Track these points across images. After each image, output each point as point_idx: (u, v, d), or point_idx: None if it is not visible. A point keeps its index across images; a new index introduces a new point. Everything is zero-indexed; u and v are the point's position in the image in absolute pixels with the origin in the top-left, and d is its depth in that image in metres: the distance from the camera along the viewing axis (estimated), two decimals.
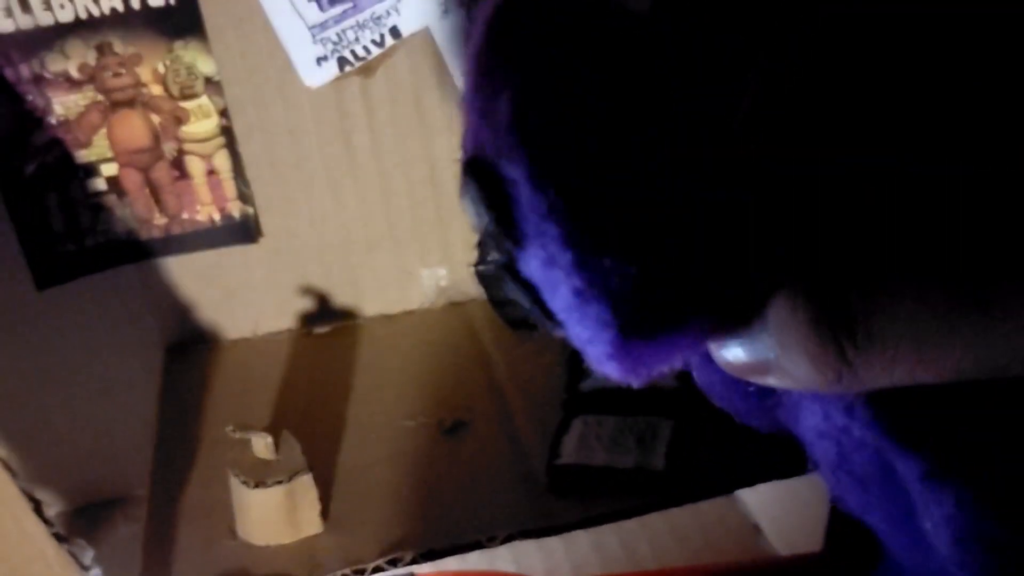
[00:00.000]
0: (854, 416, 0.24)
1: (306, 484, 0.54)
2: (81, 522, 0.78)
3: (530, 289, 0.24)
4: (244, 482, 0.53)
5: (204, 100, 0.66)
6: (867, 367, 0.22)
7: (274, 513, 0.54)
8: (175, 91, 0.65)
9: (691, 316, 0.24)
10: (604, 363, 0.24)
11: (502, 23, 0.24)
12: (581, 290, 0.23)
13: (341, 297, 0.74)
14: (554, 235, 0.23)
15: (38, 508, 0.42)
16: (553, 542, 0.58)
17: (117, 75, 0.64)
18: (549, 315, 0.24)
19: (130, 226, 0.68)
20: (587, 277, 0.23)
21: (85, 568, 0.45)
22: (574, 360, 0.65)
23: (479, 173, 0.24)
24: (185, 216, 0.68)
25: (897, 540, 0.26)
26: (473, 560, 0.57)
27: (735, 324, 0.24)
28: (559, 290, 0.24)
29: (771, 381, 0.24)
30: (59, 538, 0.43)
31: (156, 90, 0.65)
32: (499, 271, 0.74)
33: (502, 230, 0.24)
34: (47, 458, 0.74)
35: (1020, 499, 0.22)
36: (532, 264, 0.24)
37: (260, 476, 0.53)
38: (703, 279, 0.23)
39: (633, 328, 0.23)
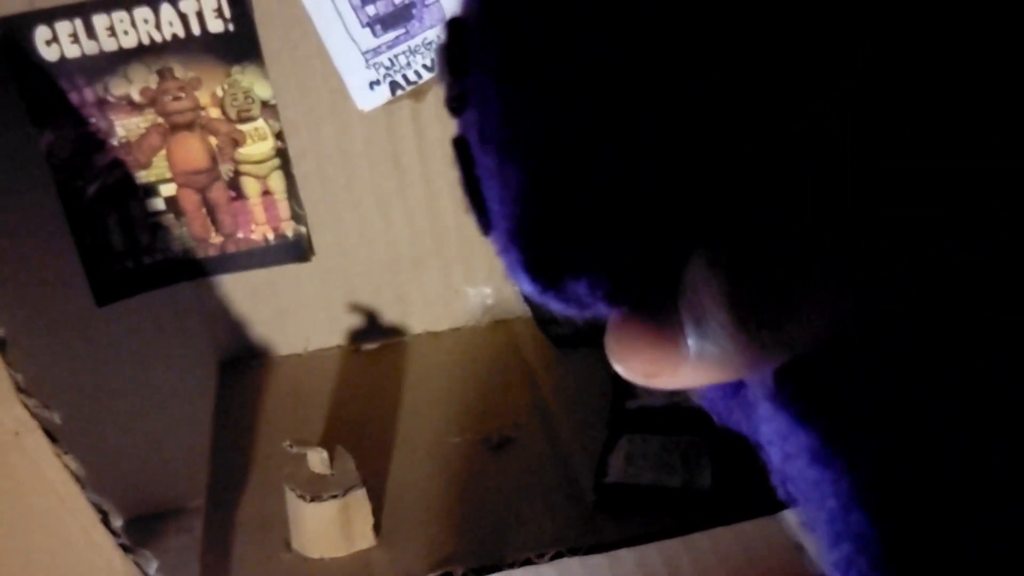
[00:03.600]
0: (775, 402, 0.21)
1: (360, 499, 0.55)
2: (133, 533, 0.80)
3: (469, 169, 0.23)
4: (300, 496, 0.55)
5: (260, 123, 0.67)
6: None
7: (328, 527, 0.55)
8: (232, 114, 0.67)
9: (589, 263, 0.21)
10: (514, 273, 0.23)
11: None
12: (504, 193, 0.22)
13: (389, 314, 0.76)
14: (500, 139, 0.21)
15: (105, 519, 0.43)
16: (597, 559, 0.59)
17: (177, 99, 0.66)
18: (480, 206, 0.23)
19: (187, 245, 0.70)
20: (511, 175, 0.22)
21: None
22: (620, 378, 0.65)
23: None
24: (240, 235, 0.70)
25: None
26: None
27: (636, 291, 0.22)
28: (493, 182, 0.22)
29: (681, 374, 0.21)
30: (125, 548, 0.44)
31: (214, 113, 0.67)
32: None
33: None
34: (101, 470, 0.76)
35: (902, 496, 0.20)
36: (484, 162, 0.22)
37: (316, 490, 0.55)
38: (605, 223, 0.21)
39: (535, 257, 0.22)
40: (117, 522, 0.44)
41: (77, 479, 0.44)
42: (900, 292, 0.20)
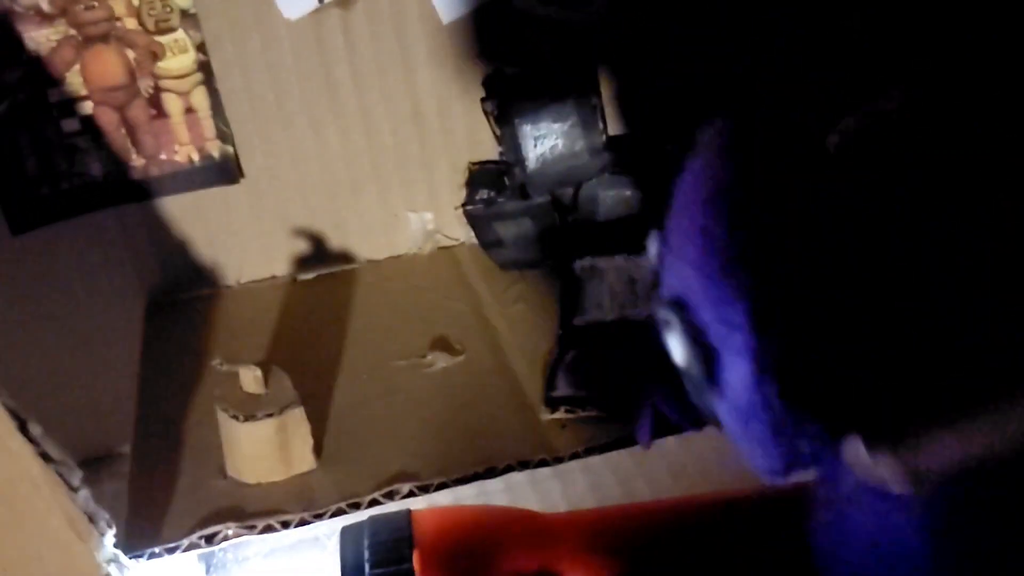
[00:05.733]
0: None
1: (297, 418, 0.52)
2: None
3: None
4: (233, 416, 0.52)
5: (180, 34, 0.63)
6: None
7: (265, 448, 0.52)
8: (150, 25, 0.63)
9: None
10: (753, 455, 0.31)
11: (731, 192, 0.29)
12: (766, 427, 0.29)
13: (327, 242, 0.72)
14: (762, 387, 0.28)
15: (23, 426, 0.40)
16: (545, 472, 0.57)
17: (90, 8, 0.62)
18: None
19: (107, 168, 0.66)
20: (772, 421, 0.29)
21: (74, 489, 0.43)
22: (567, 296, 0.63)
23: (683, 314, 0.29)
24: (163, 157, 0.66)
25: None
26: (468, 493, 0.56)
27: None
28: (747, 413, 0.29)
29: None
30: (46, 457, 0.41)
31: (130, 24, 0.63)
32: (488, 210, 0.69)
33: (704, 367, 0.29)
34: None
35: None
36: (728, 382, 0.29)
37: (250, 410, 0.52)
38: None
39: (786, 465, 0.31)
40: (36, 430, 0.40)
41: None
42: None
